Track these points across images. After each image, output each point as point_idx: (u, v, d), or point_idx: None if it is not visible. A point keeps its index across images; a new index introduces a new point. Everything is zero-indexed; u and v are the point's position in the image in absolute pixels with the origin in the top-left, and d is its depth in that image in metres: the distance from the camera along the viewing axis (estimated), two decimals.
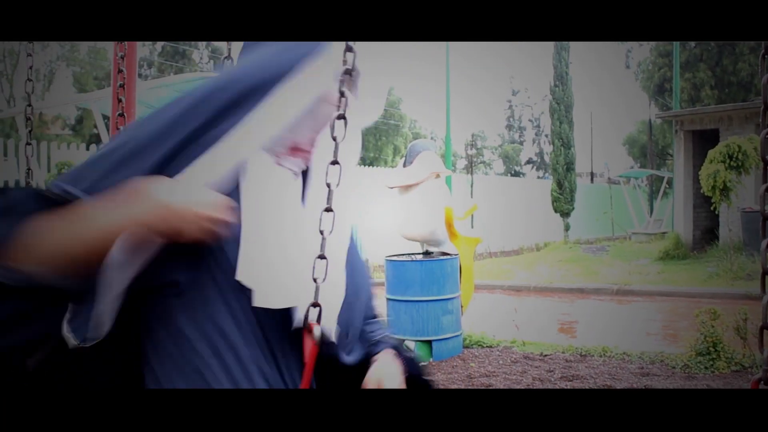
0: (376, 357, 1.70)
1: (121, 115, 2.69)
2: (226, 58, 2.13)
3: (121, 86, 2.66)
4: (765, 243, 1.26)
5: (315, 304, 1.46)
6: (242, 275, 1.43)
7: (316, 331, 1.46)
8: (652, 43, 33.39)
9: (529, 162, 58.14)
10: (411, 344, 6.44)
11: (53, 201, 1.34)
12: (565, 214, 23.72)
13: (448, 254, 6.89)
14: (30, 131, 2.84)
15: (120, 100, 2.64)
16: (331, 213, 1.49)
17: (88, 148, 12.74)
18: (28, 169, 2.90)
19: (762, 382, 1.25)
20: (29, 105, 2.80)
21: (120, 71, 2.66)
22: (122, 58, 2.68)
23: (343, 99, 1.52)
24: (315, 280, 1.45)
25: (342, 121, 1.52)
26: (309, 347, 1.50)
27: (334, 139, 1.50)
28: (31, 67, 2.71)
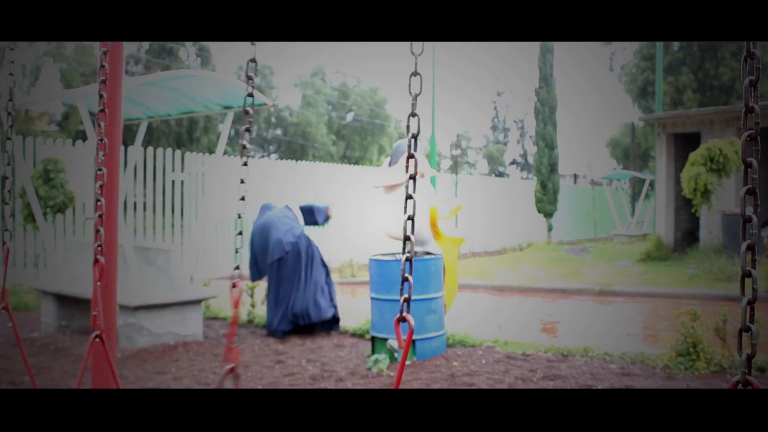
0: None
1: (117, 113, 2.68)
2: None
3: (110, 80, 2.66)
4: (745, 245, 1.29)
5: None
6: None
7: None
8: (636, 47, 33.56)
9: (513, 163, 58.30)
10: (394, 343, 6.45)
11: None
12: (548, 215, 23.84)
13: (432, 254, 6.92)
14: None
15: (111, 96, 2.63)
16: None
17: (74, 144, 12.65)
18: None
19: (740, 384, 1.28)
20: (10, 101, 2.78)
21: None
22: (105, 53, 2.66)
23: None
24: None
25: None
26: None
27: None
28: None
